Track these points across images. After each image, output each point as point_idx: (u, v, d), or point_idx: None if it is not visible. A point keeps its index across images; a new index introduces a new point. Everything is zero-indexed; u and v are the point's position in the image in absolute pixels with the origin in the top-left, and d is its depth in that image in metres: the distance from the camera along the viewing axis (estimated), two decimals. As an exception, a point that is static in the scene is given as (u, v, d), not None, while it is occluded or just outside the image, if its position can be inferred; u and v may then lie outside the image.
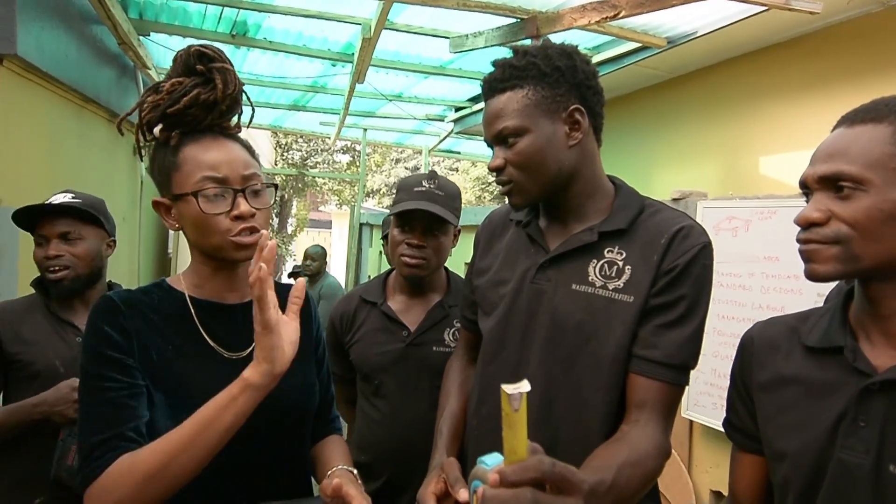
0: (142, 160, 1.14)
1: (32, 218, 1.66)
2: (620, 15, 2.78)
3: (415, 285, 1.74)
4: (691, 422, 2.92)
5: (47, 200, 1.68)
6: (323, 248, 5.72)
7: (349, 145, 17.68)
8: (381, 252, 6.65)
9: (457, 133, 6.17)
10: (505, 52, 1.21)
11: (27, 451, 1.58)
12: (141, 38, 3.85)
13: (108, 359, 1.01)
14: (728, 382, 1.12)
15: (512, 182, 1.17)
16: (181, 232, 1.12)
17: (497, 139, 1.17)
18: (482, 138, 1.27)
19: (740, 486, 1.09)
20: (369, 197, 21.09)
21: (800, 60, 3.26)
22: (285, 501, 1.12)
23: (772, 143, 3.41)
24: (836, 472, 0.88)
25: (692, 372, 1.13)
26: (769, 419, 0.99)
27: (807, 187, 0.91)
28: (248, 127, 1.18)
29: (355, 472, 1.17)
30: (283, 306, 1.24)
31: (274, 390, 1.09)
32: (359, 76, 3.95)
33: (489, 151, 1.22)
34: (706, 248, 1.12)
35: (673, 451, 1.11)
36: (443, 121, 6.14)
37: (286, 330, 0.96)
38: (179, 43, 3.96)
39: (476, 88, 4.90)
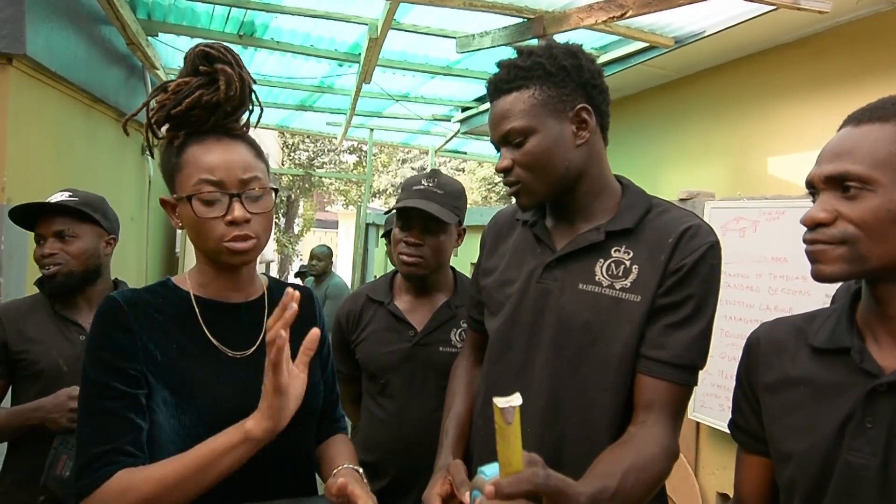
0: (152, 157, 1.14)
1: (32, 217, 1.68)
2: (627, 14, 2.77)
3: (419, 284, 1.74)
4: (698, 423, 2.91)
5: (47, 199, 1.70)
6: (329, 248, 5.73)
7: (356, 145, 17.71)
8: (386, 252, 6.67)
9: (463, 133, 6.17)
10: (511, 53, 1.21)
11: (29, 451, 1.59)
12: (149, 38, 3.87)
13: (110, 367, 1.01)
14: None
15: (520, 183, 1.16)
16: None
17: (504, 140, 1.17)
18: (488, 139, 1.26)
19: (746, 488, 1.08)
20: (376, 197, 21.10)
21: (809, 60, 3.24)
22: (290, 500, 1.12)
23: (780, 143, 3.40)
24: (842, 473, 0.87)
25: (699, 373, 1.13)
26: (775, 420, 0.98)
27: (813, 187, 0.91)
28: (255, 127, 1.17)
29: (360, 471, 1.17)
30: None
31: None
32: (365, 76, 3.96)
33: (495, 151, 1.21)
34: (714, 248, 1.11)
35: (679, 453, 1.10)
36: (449, 121, 6.14)
37: (294, 385, 0.96)
38: (188, 43, 3.98)
39: (482, 88, 4.89)
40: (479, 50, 3.59)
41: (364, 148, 13.37)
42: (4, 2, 2.43)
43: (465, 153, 8.67)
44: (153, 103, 1.08)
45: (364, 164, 13.96)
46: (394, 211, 1.67)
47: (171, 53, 4.33)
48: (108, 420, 0.99)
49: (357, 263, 7.52)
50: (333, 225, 25.83)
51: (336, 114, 6.11)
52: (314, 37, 4.02)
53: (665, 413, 1.07)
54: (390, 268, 2.86)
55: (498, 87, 1.17)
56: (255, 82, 1.13)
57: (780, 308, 2.48)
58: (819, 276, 0.89)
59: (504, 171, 1.18)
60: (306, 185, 17.93)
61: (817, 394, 0.93)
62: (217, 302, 1.14)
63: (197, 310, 1.11)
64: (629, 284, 1.11)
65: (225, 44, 1.08)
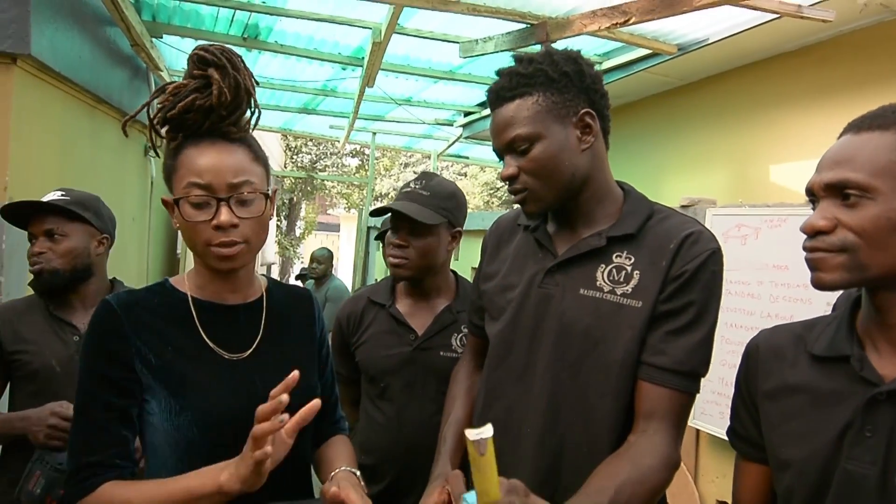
0: (157, 157, 1.14)
1: (27, 215, 1.68)
2: (630, 21, 2.77)
3: (417, 287, 1.74)
4: (698, 431, 2.90)
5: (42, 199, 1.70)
6: (329, 251, 5.73)
7: (358, 149, 17.71)
8: (382, 254, 6.70)
9: (466, 138, 6.18)
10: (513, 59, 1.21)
11: (27, 452, 1.59)
12: (154, 39, 3.88)
13: (102, 377, 1.04)
14: (735, 391, 1.11)
15: (527, 190, 1.16)
16: None
17: (508, 148, 1.16)
18: (490, 144, 1.26)
19: (744, 496, 1.07)
20: (378, 200, 21.09)
21: (811, 68, 3.25)
22: (286, 503, 1.12)
23: (782, 151, 3.40)
24: (841, 482, 0.86)
25: (698, 380, 1.12)
26: (774, 427, 0.98)
27: (813, 195, 0.90)
28: (253, 129, 1.16)
29: (358, 473, 1.17)
30: (289, 307, 1.24)
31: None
32: (369, 80, 3.97)
33: (498, 160, 1.21)
34: (715, 254, 1.11)
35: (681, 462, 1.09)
36: (452, 125, 6.15)
37: (277, 450, 0.95)
38: (192, 45, 3.97)
39: (485, 93, 4.90)
40: (482, 55, 3.60)
41: (366, 151, 13.39)
42: (9, 2, 2.43)
43: (468, 158, 8.68)
44: (156, 104, 1.09)
45: (366, 167, 13.98)
46: (388, 214, 1.68)
47: (175, 55, 4.34)
48: (97, 431, 1.04)
49: (358, 266, 7.52)
50: (335, 228, 25.84)
51: (339, 117, 6.13)
52: (318, 40, 4.03)
53: (666, 421, 1.07)
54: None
55: (500, 94, 1.16)
56: (257, 84, 1.12)
57: (781, 316, 2.47)
58: (819, 285, 0.88)
59: (509, 179, 1.17)
60: (308, 188, 17.93)
61: (816, 401, 0.92)
62: (214, 304, 1.14)
63: (194, 312, 1.11)
64: (630, 290, 1.11)
65: (224, 45, 1.08)
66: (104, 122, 3.66)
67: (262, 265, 10.77)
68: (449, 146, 7.11)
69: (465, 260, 4.45)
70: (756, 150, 3.55)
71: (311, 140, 16.17)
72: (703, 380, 1.12)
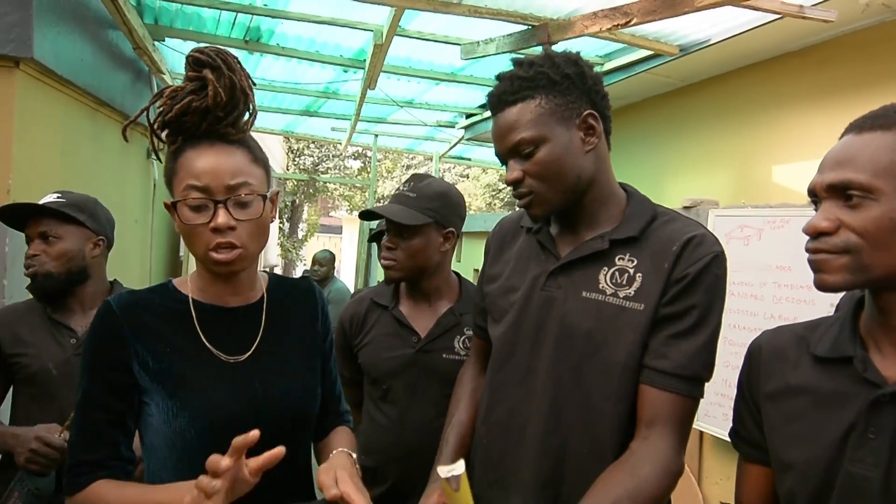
0: (159, 161, 1.14)
1: (24, 219, 1.68)
2: (632, 22, 2.77)
3: (416, 289, 1.73)
4: (701, 433, 2.89)
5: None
6: (331, 254, 5.73)
7: (360, 151, 17.73)
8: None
9: (467, 140, 6.18)
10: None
11: (14, 468, 1.59)
12: (156, 43, 3.88)
13: (99, 379, 1.05)
14: (739, 393, 1.10)
15: (532, 193, 1.15)
16: None
17: (512, 152, 1.15)
18: (492, 146, 1.26)
19: (747, 498, 1.07)
20: (380, 202, 21.10)
21: (813, 69, 3.24)
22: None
23: (784, 151, 3.39)
24: (844, 484, 0.86)
25: (701, 382, 1.11)
26: (776, 429, 0.97)
27: (815, 195, 0.90)
28: (250, 130, 1.16)
29: (354, 455, 1.16)
30: (288, 300, 1.24)
31: (273, 396, 1.10)
32: (370, 82, 3.97)
33: (501, 164, 1.21)
34: (719, 258, 1.10)
35: (684, 468, 1.09)
36: (453, 127, 6.16)
37: (238, 488, 0.92)
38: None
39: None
40: (483, 57, 3.60)
41: (368, 153, 13.40)
42: (12, 6, 2.44)
43: (470, 159, 8.68)
44: (155, 109, 1.09)
45: (368, 169, 13.98)
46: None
47: (177, 58, 4.35)
48: (93, 431, 1.06)
49: (360, 269, 7.52)
50: (337, 230, 25.87)
51: (341, 119, 6.14)
52: (319, 42, 4.03)
53: (669, 427, 1.06)
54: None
55: (502, 98, 1.16)
56: (254, 84, 1.11)
57: (785, 317, 2.46)
58: (822, 286, 0.88)
59: (514, 184, 1.16)
60: (311, 191, 17.94)
61: (819, 403, 0.92)
62: (214, 306, 1.14)
63: (194, 314, 1.11)
64: (633, 293, 1.11)
65: (220, 47, 1.07)
66: (106, 125, 3.66)
67: (264, 267, 10.78)
68: (451, 148, 7.12)
69: (468, 262, 4.45)
70: (758, 151, 3.55)
71: (313, 142, 16.19)
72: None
